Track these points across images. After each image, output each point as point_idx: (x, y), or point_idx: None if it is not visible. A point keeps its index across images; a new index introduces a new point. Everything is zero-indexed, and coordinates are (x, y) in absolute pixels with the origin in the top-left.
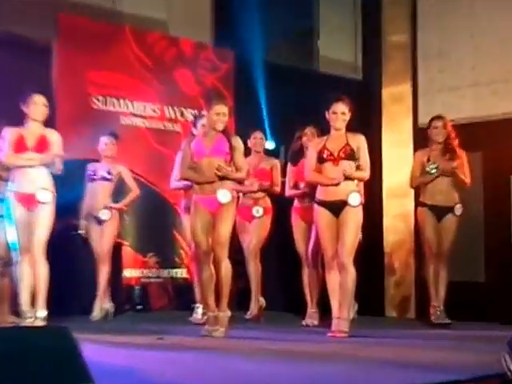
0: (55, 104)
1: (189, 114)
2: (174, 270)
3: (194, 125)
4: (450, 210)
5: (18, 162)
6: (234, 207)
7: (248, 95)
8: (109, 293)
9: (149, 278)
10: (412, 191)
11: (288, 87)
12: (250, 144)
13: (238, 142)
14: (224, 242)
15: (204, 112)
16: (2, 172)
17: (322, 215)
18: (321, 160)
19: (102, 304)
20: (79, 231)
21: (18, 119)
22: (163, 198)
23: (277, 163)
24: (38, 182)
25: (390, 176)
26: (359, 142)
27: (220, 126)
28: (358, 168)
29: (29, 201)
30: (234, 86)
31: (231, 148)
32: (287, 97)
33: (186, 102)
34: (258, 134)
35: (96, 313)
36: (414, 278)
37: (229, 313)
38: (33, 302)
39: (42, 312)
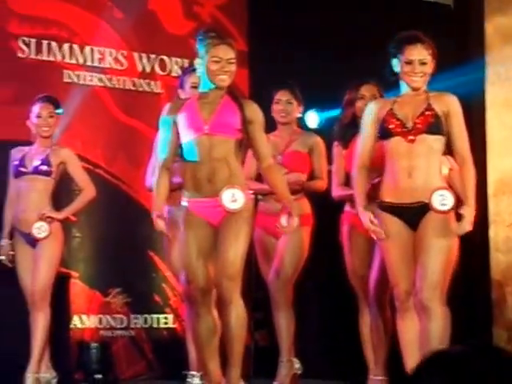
0: None
1: (174, 65)
2: (154, 317)
3: (181, 84)
4: None
5: None
6: (251, 216)
7: (269, 33)
8: (48, 355)
9: (113, 329)
10: None
11: (334, 20)
12: (272, 111)
13: (254, 111)
14: (234, 272)
15: (196, 61)
16: None
17: (390, 227)
18: (384, 133)
19: (38, 373)
20: None
21: None
22: (135, 200)
23: (319, 142)
24: None
25: (500, 160)
26: (449, 106)
27: (224, 80)
28: (451, 154)
29: None
30: (246, 18)
31: (244, 120)
32: (333, 36)
33: (169, 45)
34: (284, 95)
35: None
36: None
37: None
38: None
39: None
